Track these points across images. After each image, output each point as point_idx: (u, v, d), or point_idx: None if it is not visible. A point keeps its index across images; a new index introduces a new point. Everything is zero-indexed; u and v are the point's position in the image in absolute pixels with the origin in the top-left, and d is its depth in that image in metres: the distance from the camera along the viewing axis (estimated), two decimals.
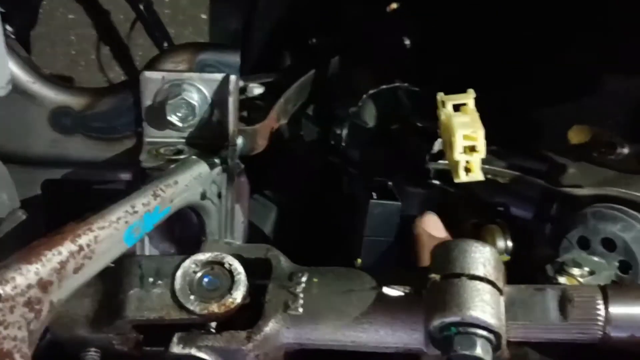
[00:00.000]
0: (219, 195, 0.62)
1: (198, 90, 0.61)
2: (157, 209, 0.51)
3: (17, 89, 0.59)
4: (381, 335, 0.47)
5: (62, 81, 0.68)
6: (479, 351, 0.42)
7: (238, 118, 0.61)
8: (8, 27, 0.77)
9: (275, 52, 0.98)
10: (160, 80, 0.60)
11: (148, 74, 0.60)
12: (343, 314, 0.48)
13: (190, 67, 0.61)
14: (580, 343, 0.45)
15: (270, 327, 0.48)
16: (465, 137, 0.51)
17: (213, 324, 0.51)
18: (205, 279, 0.51)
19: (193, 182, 0.56)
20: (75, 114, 0.61)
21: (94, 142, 0.63)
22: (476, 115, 0.54)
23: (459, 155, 0.51)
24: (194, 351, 0.49)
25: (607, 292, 0.45)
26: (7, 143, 0.60)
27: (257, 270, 0.52)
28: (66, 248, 0.42)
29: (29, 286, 0.39)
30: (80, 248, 0.43)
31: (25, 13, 0.85)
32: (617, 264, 0.63)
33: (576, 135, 0.74)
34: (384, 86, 0.81)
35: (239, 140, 0.66)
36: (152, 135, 0.62)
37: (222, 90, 0.61)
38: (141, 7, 0.95)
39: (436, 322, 0.44)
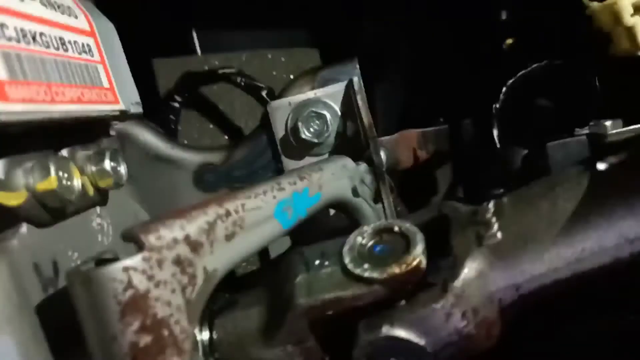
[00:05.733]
0: (375, 201, 0.56)
1: (325, 105, 0.59)
2: (306, 191, 0.46)
3: (159, 157, 0.60)
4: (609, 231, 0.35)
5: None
6: None
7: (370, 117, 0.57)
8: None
9: None
10: (287, 105, 0.59)
11: (275, 103, 0.60)
12: (552, 220, 0.37)
13: (313, 87, 0.60)
14: None
15: (469, 267, 0.38)
16: None
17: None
18: (377, 248, 0.43)
19: (339, 171, 0.51)
20: (216, 168, 0.61)
21: None
22: None
23: (630, 19, 0.42)
24: (385, 330, 0.39)
25: None
26: (159, 207, 0.60)
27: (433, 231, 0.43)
28: (212, 210, 0.38)
29: (175, 240, 0.35)
30: (227, 212, 0.39)
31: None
32: None
33: None
34: None
35: (382, 153, 0.62)
36: (292, 167, 0.60)
37: (348, 97, 0.58)
38: None
39: None
